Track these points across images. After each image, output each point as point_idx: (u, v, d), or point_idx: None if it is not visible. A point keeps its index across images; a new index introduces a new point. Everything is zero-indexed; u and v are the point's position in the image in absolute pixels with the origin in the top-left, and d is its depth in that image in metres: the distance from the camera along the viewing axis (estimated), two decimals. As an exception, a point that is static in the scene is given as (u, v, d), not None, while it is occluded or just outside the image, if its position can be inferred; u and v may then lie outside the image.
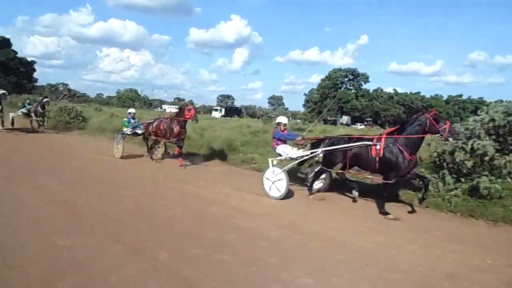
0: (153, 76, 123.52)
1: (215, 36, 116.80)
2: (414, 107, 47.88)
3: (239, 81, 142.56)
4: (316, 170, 6.43)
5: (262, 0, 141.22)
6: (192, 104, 8.93)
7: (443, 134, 5.01)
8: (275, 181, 6.00)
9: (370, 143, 5.53)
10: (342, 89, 58.29)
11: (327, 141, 6.26)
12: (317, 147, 6.27)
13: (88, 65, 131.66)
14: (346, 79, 59.24)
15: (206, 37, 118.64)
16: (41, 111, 14.68)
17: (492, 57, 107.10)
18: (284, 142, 6.76)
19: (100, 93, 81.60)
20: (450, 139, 5.10)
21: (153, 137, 9.43)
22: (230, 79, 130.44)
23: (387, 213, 5.17)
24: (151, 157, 9.44)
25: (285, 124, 6.81)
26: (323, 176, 6.63)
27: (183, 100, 48.26)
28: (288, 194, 6.06)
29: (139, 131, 9.83)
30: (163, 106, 59.30)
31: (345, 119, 59.54)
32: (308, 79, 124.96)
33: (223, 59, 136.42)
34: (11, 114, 15.06)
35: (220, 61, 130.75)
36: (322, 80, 61.03)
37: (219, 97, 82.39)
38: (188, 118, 8.44)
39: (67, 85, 73.11)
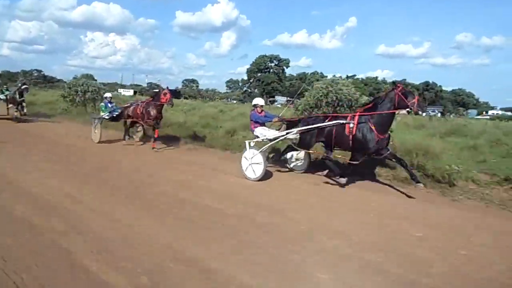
0: (140, 60, 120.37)
1: (202, 19, 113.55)
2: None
3: (227, 65, 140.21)
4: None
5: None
6: (168, 88, 8.82)
7: (412, 108, 5.14)
8: (253, 163, 6.08)
9: (344, 121, 5.62)
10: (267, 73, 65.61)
11: (303, 121, 6.32)
12: (293, 128, 6.33)
13: (72, 50, 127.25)
14: (272, 64, 66.50)
15: (192, 20, 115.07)
16: (19, 99, 13.40)
17: (478, 38, 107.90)
18: (262, 124, 6.79)
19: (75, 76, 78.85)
20: (420, 111, 5.25)
21: (130, 120, 9.48)
22: (218, 64, 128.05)
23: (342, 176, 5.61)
24: (124, 139, 9.67)
25: (261, 106, 6.82)
26: (301, 155, 6.76)
27: (157, 85, 48.01)
28: (267, 176, 6.18)
29: (115, 115, 9.75)
30: (119, 90, 58.75)
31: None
32: (297, 62, 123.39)
33: (210, 43, 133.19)
34: None
35: (207, 45, 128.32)
36: (250, 64, 68.16)
37: (184, 81, 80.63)
38: (164, 102, 8.55)
39: (41, 71, 70.60)
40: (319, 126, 5.86)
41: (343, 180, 5.61)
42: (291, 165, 6.93)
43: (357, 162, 5.45)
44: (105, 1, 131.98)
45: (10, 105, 13.67)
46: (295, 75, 69.83)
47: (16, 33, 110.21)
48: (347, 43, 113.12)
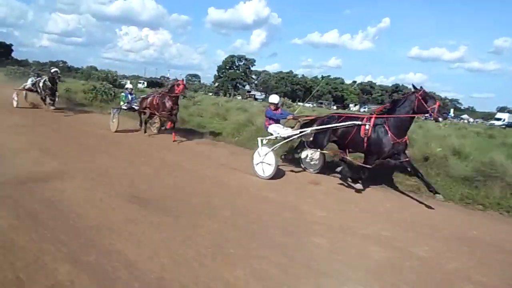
0: (171, 55, 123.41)
1: (233, 16, 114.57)
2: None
3: (256, 62, 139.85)
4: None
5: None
6: (183, 80, 9.04)
7: (432, 113, 4.87)
8: (264, 162, 6.02)
9: (360, 122, 5.45)
10: (232, 71, 77.12)
11: (318, 120, 6.21)
12: (308, 127, 6.23)
13: (107, 43, 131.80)
14: (241, 63, 76.99)
15: (224, 17, 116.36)
16: (50, 85, 12.14)
17: None
18: (277, 121, 6.72)
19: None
20: (440, 119, 4.93)
21: (147, 111, 9.62)
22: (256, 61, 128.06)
23: (357, 182, 5.43)
24: (145, 131, 9.72)
25: (277, 103, 6.74)
26: (316, 157, 6.65)
27: (168, 78, 49.88)
28: (279, 174, 6.13)
29: (136, 106, 9.97)
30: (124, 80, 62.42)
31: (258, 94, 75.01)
32: (326, 62, 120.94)
33: (240, 40, 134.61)
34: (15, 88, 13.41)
35: (237, 42, 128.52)
36: (222, 62, 78.70)
37: (188, 76, 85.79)
38: (178, 93, 8.69)
39: (65, 62, 74.86)
40: (334, 127, 5.73)
41: (359, 186, 5.38)
42: (305, 165, 6.83)
43: (370, 166, 5.26)
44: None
45: (41, 93, 12.66)
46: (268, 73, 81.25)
47: (56, 25, 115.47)
48: (379, 44, 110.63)
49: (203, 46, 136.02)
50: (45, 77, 12.63)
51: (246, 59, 77.45)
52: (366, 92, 77.80)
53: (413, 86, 5.16)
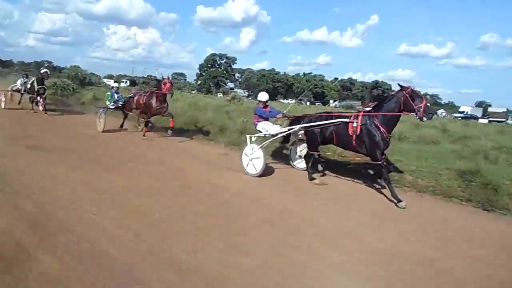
0: (160, 54, 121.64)
1: (222, 14, 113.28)
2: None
3: (246, 61, 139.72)
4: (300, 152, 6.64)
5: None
6: (169, 78, 8.86)
7: (418, 112, 4.87)
8: (253, 158, 6.02)
9: (347, 120, 5.48)
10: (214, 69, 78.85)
11: (306, 118, 6.21)
12: (297, 124, 6.24)
13: (94, 42, 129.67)
14: (223, 61, 78.92)
15: (213, 15, 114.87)
16: (37, 86, 11.64)
17: (504, 39, 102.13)
18: (266, 119, 6.71)
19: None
20: (424, 118, 4.91)
21: (137, 112, 9.48)
22: (237, 59, 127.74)
23: (399, 200, 4.85)
24: (143, 132, 9.30)
25: (266, 101, 6.72)
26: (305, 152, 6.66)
27: (154, 77, 50.20)
28: (268, 171, 6.14)
29: (120, 105, 9.82)
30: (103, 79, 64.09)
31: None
32: (316, 60, 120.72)
33: (230, 38, 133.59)
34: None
35: (227, 40, 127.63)
36: (204, 60, 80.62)
37: (173, 74, 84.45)
38: (165, 92, 8.56)
39: (51, 62, 73.33)
40: (322, 124, 5.74)
41: (402, 204, 4.82)
42: (294, 163, 6.84)
43: (380, 162, 5.11)
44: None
45: (27, 95, 12.42)
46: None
47: (42, 25, 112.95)
48: (368, 41, 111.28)
49: (192, 44, 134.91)
50: (33, 78, 12.25)
51: (227, 58, 79.22)
52: (346, 88, 79.93)
53: (399, 84, 5.18)
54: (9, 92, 13.21)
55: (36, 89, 11.69)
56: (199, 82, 79.66)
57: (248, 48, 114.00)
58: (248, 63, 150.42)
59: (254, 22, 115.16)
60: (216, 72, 77.59)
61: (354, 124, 5.35)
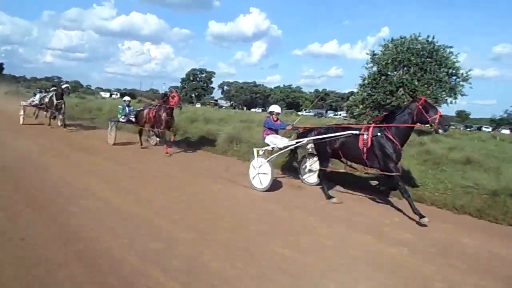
0: (173, 69, 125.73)
1: (234, 29, 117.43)
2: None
3: (257, 74, 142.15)
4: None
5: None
6: (176, 91, 8.79)
7: (433, 124, 4.65)
8: (260, 172, 5.85)
9: (358, 132, 5.27)
10: (195, 82, 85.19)
11: (315, 131, 6.03)
12: (305, 137, 6.06)
13: (110, 57, 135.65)
14: (203, 75, 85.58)
15: (225, 30, 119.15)
16: (56, 101, 11.58)
17: None
18: (275, 132, 6.57)
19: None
20: (440, 130, 4.66)
21: (147, 127, 9.42)
22: (248, 73, 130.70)
23: (422, 216, 4.44)
24: (141, 144, 9.53)
25: (277, 114, 6.58)
26: (315, 167, 6.44)
27: (157, 91, 51.69)
28: (276, 185, 5.96)
29: (132, 119, 9.86)
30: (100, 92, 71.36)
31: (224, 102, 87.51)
32: (327, 72, 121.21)
33: (241, 52, 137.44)
34: (22, 103, 13.39)
35: (238, 54, 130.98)
36: (185, 75, 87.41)
37: (170, 88, 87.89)
38: (173, 105, 8.47)
39: (60, 78, 79.43)
40: (331, 137, 5.54)
41: (425, 220, 4.43)
42: (304, 177, 6.63)
43: (397, 173, 4.83)
44: (143, 11, 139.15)
45: (46, 110, 12.41)
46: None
47: (59, 41, 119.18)
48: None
49: (204, 59, 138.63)
50: (52, 93, 12.29)
51: (206, 72, 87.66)
52: (321, 99, 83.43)
53: (411, 96, 4.96)
54: (28, 107, 13.34)
55: (55, 103, 11.72)
56: (182, 94, 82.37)
57: (259, 62, 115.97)
58: (260, 77, 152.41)
59: (265, 36, 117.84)
60: (196, 85, 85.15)
61: (365, 137, 5.13)
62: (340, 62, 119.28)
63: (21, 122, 12.70)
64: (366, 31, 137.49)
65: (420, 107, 4.75)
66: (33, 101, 13.44)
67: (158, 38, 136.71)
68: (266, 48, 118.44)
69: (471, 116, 72.89)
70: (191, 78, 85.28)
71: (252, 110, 66.17)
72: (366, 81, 17.15)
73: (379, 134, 5.03)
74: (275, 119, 6.51)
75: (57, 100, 11.70)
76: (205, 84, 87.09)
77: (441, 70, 15.60)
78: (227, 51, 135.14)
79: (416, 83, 15.14)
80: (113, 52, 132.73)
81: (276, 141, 6.34)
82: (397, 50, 16.16)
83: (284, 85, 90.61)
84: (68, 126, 12.20)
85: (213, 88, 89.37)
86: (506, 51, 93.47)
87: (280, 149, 6.26)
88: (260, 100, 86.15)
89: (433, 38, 15.97)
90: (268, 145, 6.39)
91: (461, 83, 16.07)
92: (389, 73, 16.16)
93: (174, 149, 8.96)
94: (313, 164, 6.44)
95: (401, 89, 14.74)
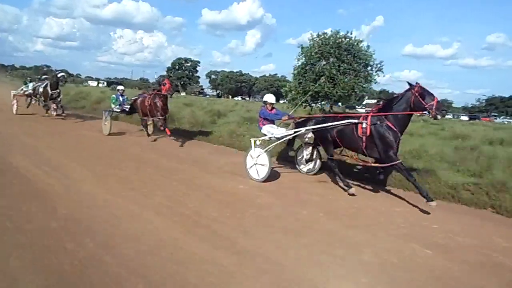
0: (166, 57, 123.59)
1: (227, 17, 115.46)
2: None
3: (252, 63, 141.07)
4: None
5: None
6: (168, 79, 8.93)
7: (430, 111, 4.65)
8: (257, 163, 5.82)
9: (356, 121, 5.24)
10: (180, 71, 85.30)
11: (312, 120, 6.01)
12: (302, 126, 6.04)
13: (102, 46, 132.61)
14: (188, 64, 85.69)
15: (218, 18, 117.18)
16: (51, 91, 11.21)
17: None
18: (272, 122, 6.52)
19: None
20: (438, 116, 4.67)
21: (144, 116, 9.31)
22: (243, 61, 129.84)
23: (430, 199, 4.50)
24: (148, 134, 9.58)
25: (272, 103, 6.53)
26: (313, 157, 6.45)
27: (147, 80, 51.62)
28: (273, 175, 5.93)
29: (127, 108, 9.73)
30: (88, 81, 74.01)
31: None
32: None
33: (235, 41, 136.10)
34: (12, 92, 13.01)
35: (232, 43, 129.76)
36: (171, 64, 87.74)
37: (159, 77, 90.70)
38: (165, 92, 8.48)
39: (49, 66, 78.41)
40: (329, 126, 5.52)
41: (433, 204, 4.46)
42: (301, 166, 6.63)
43: (397, 161, 4.82)
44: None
45: (40, 100, 12.02)
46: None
47: (50, 30, 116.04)
48: (373, 42, 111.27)
49: (198, 47, 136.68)
50: (47, 82, 11.83)
51: (191, 61, 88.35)
52: None
53: (408, 83, 4.96)
54: (22, 97, 12.96)
55: (49, 93, 11.29)
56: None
57: (254, 51, 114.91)
58: (254, 66, 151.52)
59: (259, 24, 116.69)
60: (181, 74, 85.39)
61: (364, 125, 5.11)
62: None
63: (14, 112, 12.39)
64: (361, 20, 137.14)
65: (417, 94, 4.74)
66: (26, 90, 13.01)
67: (151, 26, 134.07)
68: (260, 37, 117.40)
69: (456, 106, 74.40)
70: (177, 67, 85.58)
71: (235, 98, 68.66)
72: (295, 71, 19.32)
73: (378, 122, 5.02)
74: (269, 108, 6.46)
75: (52, 90, 11.30)
76: (191, 73, 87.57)
77: (356, 61, 17.89)
78: (221, 39, 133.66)
79: (334, 72, 17.39)
80: (105, 41, 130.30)
81: (273, 130, 6.29)
82: (319, 44, 18.34)
83: (270, 74, 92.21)
84: (59, 115, 11.88)
85: (198, 77, 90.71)
86: (500, 40, 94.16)
87: (278, 139, 6.23)
88: (245, 89, 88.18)
89: (350, 33, 18.41)
90: (265, 135, 6.35)
91: (376, 72, 18.55)
92: (314, 63, 18.56)
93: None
94: (309, 153, 6.44)
95: (322, 77, 16.68)
